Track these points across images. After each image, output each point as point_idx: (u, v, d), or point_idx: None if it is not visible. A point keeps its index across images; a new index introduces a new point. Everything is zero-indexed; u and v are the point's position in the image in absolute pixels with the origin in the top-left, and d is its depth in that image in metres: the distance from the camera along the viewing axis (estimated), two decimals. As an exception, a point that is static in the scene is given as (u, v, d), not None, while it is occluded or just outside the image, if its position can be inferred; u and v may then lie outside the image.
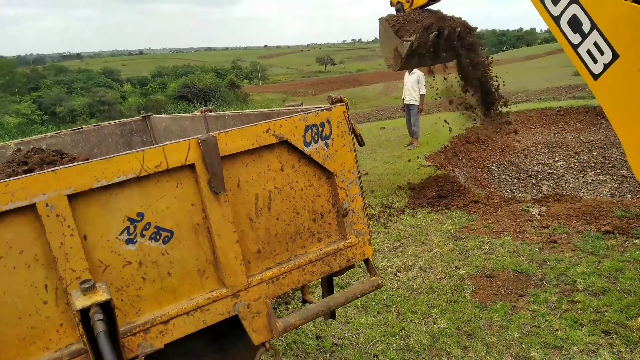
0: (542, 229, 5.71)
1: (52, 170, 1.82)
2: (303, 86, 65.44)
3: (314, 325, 4.29)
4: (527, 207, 6.46)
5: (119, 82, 70.81)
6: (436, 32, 4.93)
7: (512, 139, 11.90)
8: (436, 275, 4.95)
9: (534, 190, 9.34)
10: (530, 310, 4.11)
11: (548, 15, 3.69)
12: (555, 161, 10.69)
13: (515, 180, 9.87)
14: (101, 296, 1.59)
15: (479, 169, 10.27)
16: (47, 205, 1.81)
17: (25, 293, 1.86)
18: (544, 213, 6.21)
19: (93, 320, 1.57)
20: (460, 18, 5.85)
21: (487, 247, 5.42)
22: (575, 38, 3.54)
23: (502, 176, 10.12)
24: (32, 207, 1.81)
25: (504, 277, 4.71)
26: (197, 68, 69.11)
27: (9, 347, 1.86)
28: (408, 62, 5.43)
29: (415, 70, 10.29)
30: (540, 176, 9.97)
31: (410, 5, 5.80)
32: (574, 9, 3.49)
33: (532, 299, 4.27)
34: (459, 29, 5.31)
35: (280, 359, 2.96)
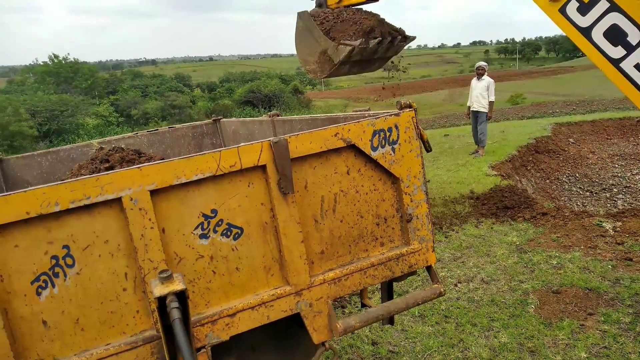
0: (616, 246, 5.40)
1: (138, 167, 1.97)
2: (365, 92, 65.35)
3: (369, 331, 4.30)
4: (600, 221, 6.12)
5: (189, 87, 73.93)
6: (380, 38, 3.97)
7: (586, 150, 11.31)
8: (499, 288, 4.81)
9: (608, 205, 8.81)
10: (600, 330, 3.91)
11: (573, 28, 3.16)
12: (633, 174, 10.03)
13: (588, 194, 9.36)
14: (177, 286, 1.70)
15: (548, 180, 9.84)
16: (131, 199, 1.97)
17: (107, 280, 2.02)
18: (618, 229, 5.87)
19: (169, 307, 1.67)
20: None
21: (555, 262, 5.19)
22: (617, 52, 3.07)
23: (574, 189, 9.63)
24: (118, 201, 1.96)
25: (572, 294, 4.50)
26: (262, 74, 70.90)
27: (90, 329, 2.02)
28: (339, 69, 4.31)
29: (485, 76, 10.05)
30: (615, 190, 9.38)
31: (339, 2, 4.65)
32: (614, 18, 3.01)
33: (602, 319, 4.06)
34: (399, 37, 4.29)
35: (338, 358, 3.00)
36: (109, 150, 3.50)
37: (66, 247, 1.93)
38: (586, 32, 3.10)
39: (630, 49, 3.02)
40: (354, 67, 4.42)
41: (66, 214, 1.91)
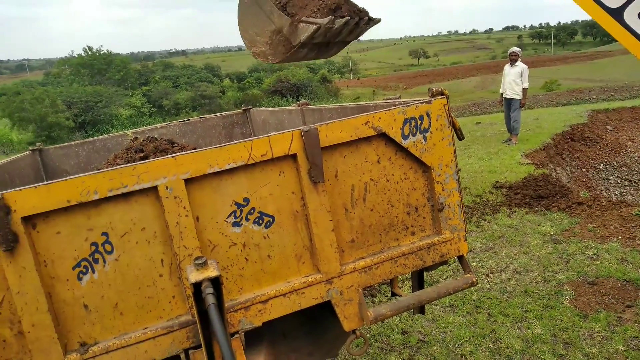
0: (657, 237, 5.23)
1: (173, 157, 2.02)
2: (394, 80, 64.66)
3: (399, 320, 4.29)
4: (640, 211, 5.93)
5: (219, 77, 74.62)
6: (347, 17, 3.29)
7: (624, 137, 10.93)
8: (532, 279, 4.73)
9: (648, 194, 8.52)
10: (638, 323, 3.81)
11: (600, 9, 2.80)
12: (675, 163, 9.66)
13: (627, 183, 9.06)
14: (212, 272, 1.74)
15: (584, 169, 9.57)
16: (166, 188, 2.01)
17: (144, 266, 2.08)
18: (659, 219, 5.67)
19: (205, 293, 1.71)
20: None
21: (591, 253, 5.06)
22: None
23: (611, 177, 9.33)
24: (154, 189, 2.01)
25: (609, 286, 4.39)
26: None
27: (129, 313, 2.09)
28: (296, 53, 3.51)
29: (518, 62, 9.79)
30: (656, 179, 9.06)
31: None
32: None
33: (641, 311, 3.95)
34: (365, 18, 3.53)
35: (369, 346, 3.02)
36: (143, 140, 3.58)
37: (105, 234, 1.99)
38: (617, 13, 2.77)
39: None
40: (312, 52, 3.68)
41: (104, 202, 1.97)
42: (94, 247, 1.98)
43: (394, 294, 3.40)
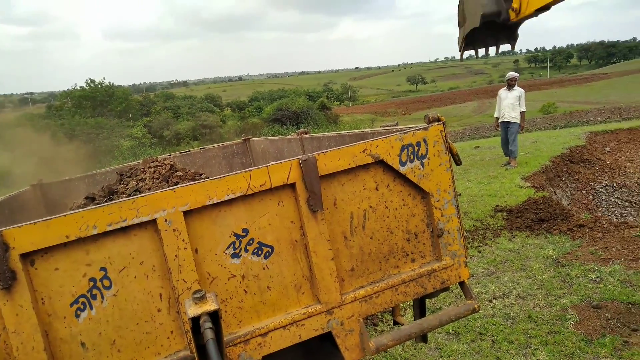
0: (660, 258, 5.19)
1: (172, 189, 2.03)
2: (392, 106, 65.23)
3: (402, 349, 4.23)
4: (642, 233, 5.90)
5: (219, 106, 75.29)
6: None
7: (623, 159, 10.96)
8: (535, 304, 4.68)
9: (650, 215, 8.48)
10: (646, 347, 3.74)
11: None
12: (675, 183, 9.65)
13: (627, 204, 9.03)
14: (211, 306, 1.72)
15: (584, 191, 9.56)
16: (165, 221, 2.01)
17: (143, 300, 2.06)
18: (662, 240, 5.63)
19: (203, 328, 1.69)
20: None
21: (594, 276, 5.02)
22: None
23: (611, 199, 9.31)
24: (153, 222, 2.02)
25: (614, 309, 4.33)
26: (290, 92, 71.64)
27: (127, 350, 2.06)
28: None
29: (516, 87, 9.92)
30: (657, 199, 9.04)
31: (517, 15, 5.17)
32: None
33: (648, 335, 3.88)
34: None
35: (372, 378, 2.96)
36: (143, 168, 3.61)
37: (103, 269, 1.99)
38: None
39: None
40: None
41: (103, 236, 1.97)
42: (92, 283, 1.97)
43: (395, 323, 3.36)
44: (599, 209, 8.76)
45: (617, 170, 10.52)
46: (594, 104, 32.38)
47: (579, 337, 4.01)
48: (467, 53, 6.35)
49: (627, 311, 4.28)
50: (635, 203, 9.01)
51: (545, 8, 4.99)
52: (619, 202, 9.14)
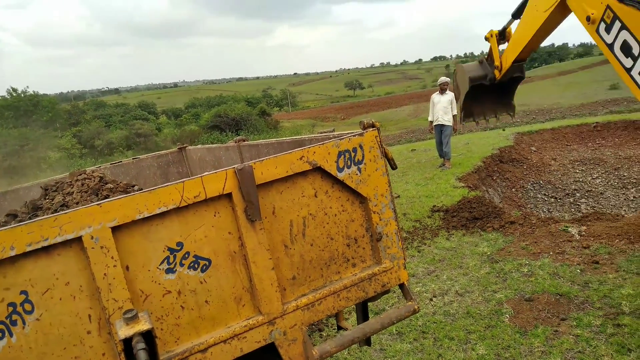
0: (583, 250, 5.54)
1: (98, 204, 1.91)
2: (332, 111, 65.97)
3: (348, 353, 4.25)
4: (566, 227, 6.28)
5: (154, 114, 73.04)
6: None
7: (547, 157, 11.66)
8: (473, 300, 4.85)
9: (572, 210, 9.07)
10: (573, 335, 3.97)
11: (603, 44, 3.78)
12: (593, 178, 10.39)
13: (552, 200, 9.62)
14: (143, 325, 1.64)
15: (513, 189, 10.07)
16: (92, 238, 1.90)
17: (70, 323, 1.93)
18: (584, 233, 6.02)
19: (135, 349, 1.61)
20: None
21: (526, 270, 5.28)
22: (628, 62, 3.62)
23: (539, 195, 9.88)
24: (78, 240, 1.89)
25: (544, 301, 4.57)
26: (229, 98, 70.77)
27: None
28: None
29: (448, 91, 10.30)
30: (578, 194, 9.68)
31: (500, 71, 6.02)
32: (624, 35, 3.59)
33: (574, 323, 4.12)
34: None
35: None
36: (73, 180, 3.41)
37: (24, 292, 1.84)
38: (611, 47, 3.70)
39: (635, 59, 3.56)
40: None
41: (23, 257, 1.83)
42: (11, 308, 1.82)
43: (340, 327, 3.36)
44: (528, 206, 9.26)
45: (543, 168, 11.17)
46: (520, 106, 34.24)
47: (514, 329, 4.20)
48: (467, 121, 7.29)
49: (556, 302, 4.52)
50: (559, 199, 9.61)
51: (521, 59, 5.67)
52: (546, 199, 9.71)
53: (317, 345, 2.44)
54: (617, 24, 3.64)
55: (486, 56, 6.30)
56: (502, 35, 5.98)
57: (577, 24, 4.20)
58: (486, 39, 6.33)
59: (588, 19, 3.90)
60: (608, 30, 3.72)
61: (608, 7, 3.70)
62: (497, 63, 6.05)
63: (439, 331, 4.35)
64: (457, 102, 6.73)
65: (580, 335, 3.94)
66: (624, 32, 3.59)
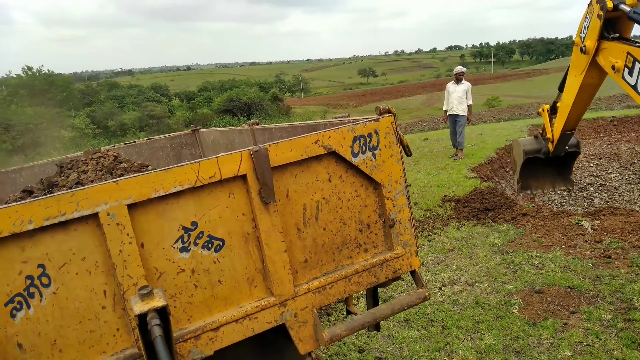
0: (595, 244, 5.49)
1: (114, 181, 1.92)
2: (344, 98, 65.69)
3: (356, 338, 4.27)
4: (579, 220, 6.23)
5: (167, 96, 73.21)
6: None
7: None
8: (482, 290, 4.84)
9: (586, 204, 8.98)
10: (583, 328, 3.95)
11: (629, 86, 4.20)
12: (608, 173, 10.25)
13: (565, 193, 9.51)
14: (158, 302, 1.65)
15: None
16: (108, 214, 1.91)
17: (85, 298, 1.96)
18: (597, 227, 5.97)
19: (150, 325, 1.63)
20: None
21: (537, 262, 5.25)
22: None
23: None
24: (94, 216, 1.91)
25: (555, 293, 4.55)
26: (241, 82, 70.65)
27: (69, 350, 1.95)
28: None
29: (463, 81, 10.19)
30: (592, 189, 9.57)
31: (552, 143, 6.31)
32: None
33: (585, 317, 4.11)
34: None
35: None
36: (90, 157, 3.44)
37: (41, 266, 1.87)
38: (635, 87, 4.10)
39: None
40: None
41: (41, 231, 1.85)
42: (29, 281, 1.85)
43: (349, 312, 3.38)
44: (541, 199, 9.18)
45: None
46: (535, 98, 33.88)
47: (523, 321, 4.19)
48: (524, 193, 7.49)
49: (566, 295, 4.50)
50: (573, 192, 9.50)
51: (570, 128, 6.08)
52: (559, 192, 9.61)
53: (327, 328, 2.45)
54: (637, 65, 4.07)
55: (541, 131, 6.65)
56: (553, 110, 6.33)
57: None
58: (539, 113, 6.76)
59: (613, 67, 4.32)
60: (631, 73, 4.14)
61: (628, 53, 4.16)
62: (548, 135, 6.36)
63: (447, 320, 4.36)
64: (513, 175, 6.95)
65: (590, 329, 3.92)
66: None
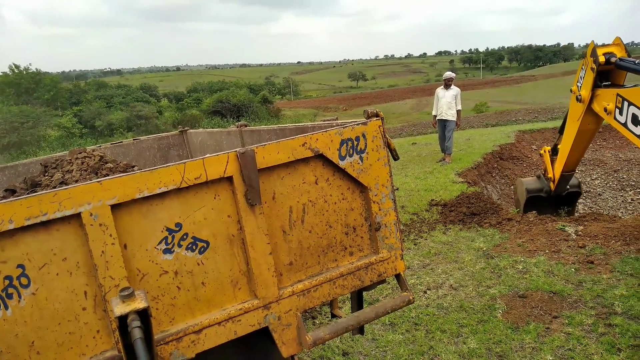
0: (579, 249, 5.55)
1: (98, 181, 1.91)
2: (334, 101, 65.80)
3: (340, 341, 4.27)
4: (563, 226, 6.29)
5: (156, 97, 72.71)
6: None
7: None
8: (467, 294, 4.87)
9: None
10: (564, 333, 3.99)
11: (620, 125, 4.62)
12: (592, 179, 10.40)
13: (551, 199, 9.62)
14: (139, 304, 1.64)
15: (512, 186, 10.07)
16: (91, 215, 1.89)
17: (65, 299, 1.93)
18: (580, 232, 6.04)
19: (131, 327, 1.61)
20: None
21: (521, 267, 5.30)
22: (638, 130, 4.43)
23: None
24: (77, 216, 1.89)
25: (538, 298, 4.59)
26: (231, 84, 70.39)
27: (47, 352, 1.92)
28: None
29: (453, 86, 10.27)
30: (577, 195, 9.69)
31: (554, 182, 6.76)
32: (632, 109, 4.46)
33: (566, 321, 4.15)
34: None
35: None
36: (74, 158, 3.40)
37: (21, 266, 1.84)
38: (625, 125, 4.54)
39: None
40: None
41: (21, 231, 1.82)
42: (7, 282, 1.82)
43: (334, 315, 3.38)
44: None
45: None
46: (523, 104, 34.25)
47: (506, 325, 4.22)
48: None
49: (549, 299, 4.55)
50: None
51: (569, 170, 6.51)
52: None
53: (311, 331, 2.45)
54: (626, 104, 4.48)
55: (543, 171, 7.04)
56: (554, 151, 6.76)
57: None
58: (540, 155, 7.21)
59: (606, 110, 4.74)
60: (621, 112, 4.56)
61: (618, 94, 4.57)
62: (550, 175, 6.80)
63: (431, 323, 4.37)
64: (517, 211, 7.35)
65: (571, 333, 3.96)
66: (632, 107, 4.44)
